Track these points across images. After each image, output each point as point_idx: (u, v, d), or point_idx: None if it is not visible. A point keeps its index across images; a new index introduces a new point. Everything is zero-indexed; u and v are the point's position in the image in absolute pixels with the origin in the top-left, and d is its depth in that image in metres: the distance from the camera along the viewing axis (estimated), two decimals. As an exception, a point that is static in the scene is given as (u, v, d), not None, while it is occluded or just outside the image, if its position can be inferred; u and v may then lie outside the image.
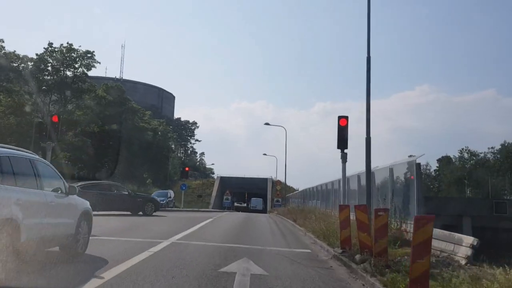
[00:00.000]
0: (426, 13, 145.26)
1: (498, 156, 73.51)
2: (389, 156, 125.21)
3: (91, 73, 43.66)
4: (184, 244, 9.93)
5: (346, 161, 12.14)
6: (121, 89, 48.80)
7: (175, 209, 37.71)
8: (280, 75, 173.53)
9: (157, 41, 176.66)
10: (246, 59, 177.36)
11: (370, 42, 11.45)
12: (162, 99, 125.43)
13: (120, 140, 48.79)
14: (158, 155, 61.59)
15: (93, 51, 40.83)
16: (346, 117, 12.15)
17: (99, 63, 41.37)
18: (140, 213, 20.93)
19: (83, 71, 41.48)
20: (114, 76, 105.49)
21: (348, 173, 12.88)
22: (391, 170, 12.01)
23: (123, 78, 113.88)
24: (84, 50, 40.80)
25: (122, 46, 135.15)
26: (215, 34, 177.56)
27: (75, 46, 40.80)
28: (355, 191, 15.76)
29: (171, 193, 41.69)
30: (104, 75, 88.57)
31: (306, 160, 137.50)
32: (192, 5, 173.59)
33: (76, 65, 41.14)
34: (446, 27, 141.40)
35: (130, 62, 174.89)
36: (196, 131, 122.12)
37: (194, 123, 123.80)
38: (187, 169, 38.85)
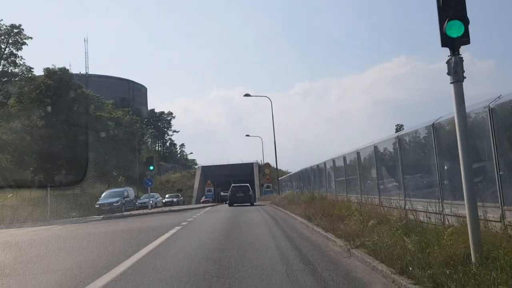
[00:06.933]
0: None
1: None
2: (374, 129, 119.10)
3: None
4: None
5: (463, 76, 4.70)
6: (67, 73, 39.92)
7: (131, 213, 26.98)
8: (258, 59, 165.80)
9: (125, 35, 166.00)
10: (221, 46, 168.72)
11: None
12: (133, 92, 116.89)
13: (75, 134, 40.60)
14: (126, 149, 53.46)
15: (20, 25, 32.35)
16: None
17: (31, 38, 32.81)
18: None
19: (11, 51, 32.97)
20: (78, 72, 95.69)
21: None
22: None
23: (89, 73, 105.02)
24: (8, 25, 32.27)
25: (85, 40, 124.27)
26: (185, 23, 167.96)
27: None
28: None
29: (129, 191, 32.53)
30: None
31: (292, 142, 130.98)
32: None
33: (2, 45, 32.68)
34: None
35: (97, 58, 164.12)
36: (173, 122, 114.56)
37: (170, 113, 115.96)
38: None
